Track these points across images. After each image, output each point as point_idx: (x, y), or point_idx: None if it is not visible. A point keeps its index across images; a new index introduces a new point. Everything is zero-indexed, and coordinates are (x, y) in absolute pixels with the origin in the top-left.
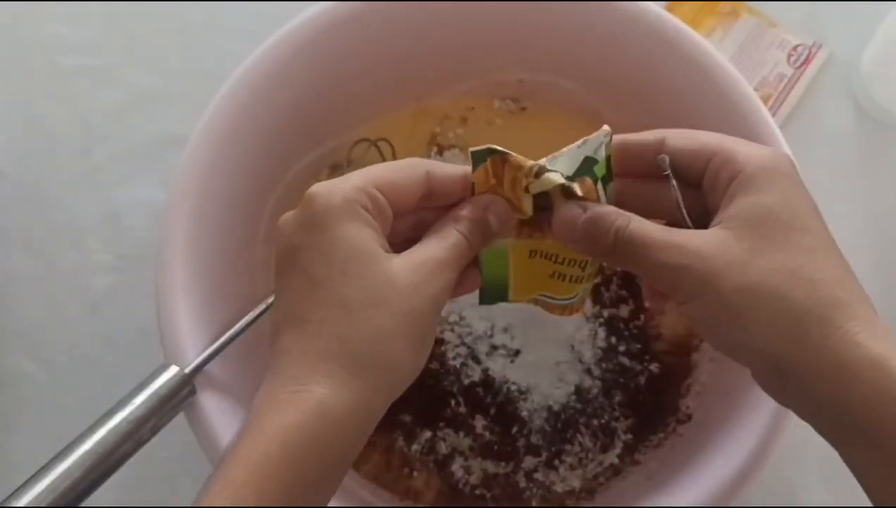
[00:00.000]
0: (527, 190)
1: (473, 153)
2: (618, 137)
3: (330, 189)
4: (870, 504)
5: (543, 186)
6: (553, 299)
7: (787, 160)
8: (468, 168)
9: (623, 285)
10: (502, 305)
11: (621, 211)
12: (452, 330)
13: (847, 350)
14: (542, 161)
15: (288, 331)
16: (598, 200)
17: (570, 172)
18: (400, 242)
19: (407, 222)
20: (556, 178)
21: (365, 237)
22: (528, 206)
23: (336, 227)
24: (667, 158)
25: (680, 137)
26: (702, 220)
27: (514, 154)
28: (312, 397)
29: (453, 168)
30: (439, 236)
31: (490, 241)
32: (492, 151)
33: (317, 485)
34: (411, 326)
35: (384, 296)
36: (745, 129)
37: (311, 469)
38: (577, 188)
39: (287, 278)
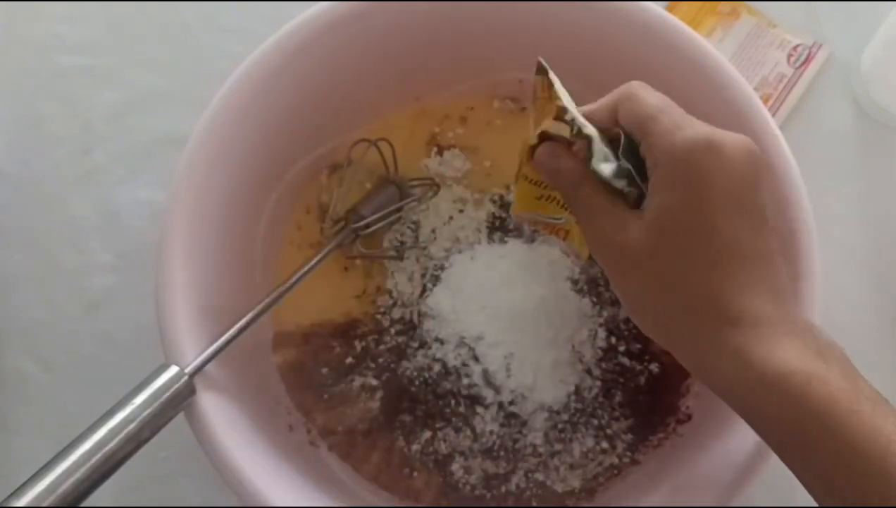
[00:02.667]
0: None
1: (539, 63)
2: (582, 110)
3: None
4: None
5: (559, 131)
6: (543, 216)
7: (707, 151)
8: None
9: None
10: (502, 305)
11: (583, 173)
12: (452, 330)
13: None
14: (570, 109)
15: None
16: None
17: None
18: None
19: None
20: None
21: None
22: (533, 135)
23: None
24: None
25: (627, 104)
26: None
27: (557, 84)
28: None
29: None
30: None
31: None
32: (545, 70)
33: None
34: None
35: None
36: (746, 129)
37: None
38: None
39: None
